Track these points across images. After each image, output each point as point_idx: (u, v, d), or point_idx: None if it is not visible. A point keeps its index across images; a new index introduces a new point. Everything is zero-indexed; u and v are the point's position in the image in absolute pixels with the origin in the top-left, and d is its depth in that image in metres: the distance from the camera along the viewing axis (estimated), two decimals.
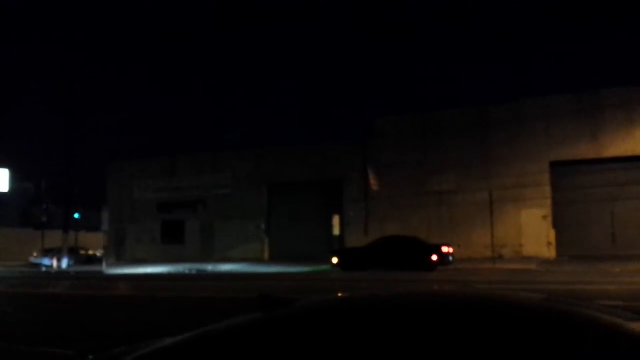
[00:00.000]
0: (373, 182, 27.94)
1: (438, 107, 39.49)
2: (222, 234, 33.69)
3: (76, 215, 36.32)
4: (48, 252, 34.32)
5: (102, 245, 43.46)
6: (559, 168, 26.34)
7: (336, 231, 26.10)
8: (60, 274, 27.58)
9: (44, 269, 31.16)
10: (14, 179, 45.60)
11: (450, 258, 21.80)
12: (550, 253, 25.96)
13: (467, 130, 27.94)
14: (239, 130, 52.23)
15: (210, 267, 27.44)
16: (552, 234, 26.28)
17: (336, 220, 26.14)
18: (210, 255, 33.24)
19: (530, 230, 26.43)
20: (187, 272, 26.19)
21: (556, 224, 26.26)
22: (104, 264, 28.93)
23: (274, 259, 31.87)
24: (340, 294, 11.33)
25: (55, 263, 30.92)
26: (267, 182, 32.97)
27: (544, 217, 26.39)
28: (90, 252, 38.13)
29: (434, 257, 21.36)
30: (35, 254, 35.62)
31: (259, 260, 31.24)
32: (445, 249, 21.78)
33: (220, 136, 36.15)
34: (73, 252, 33.15)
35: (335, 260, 23.05)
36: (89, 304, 13.95)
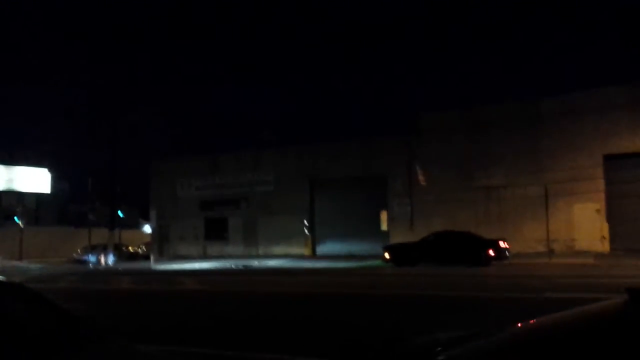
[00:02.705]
0: (421, 178, 27.71)
1: (484, 101, 39.00)
2: (265, 231, 33.79)
3: (119, 213, 36.68)
4: (92, 249, 34.78)
5: (141, 242, 44.01)
6: (612, 161, 25.80)
7: (384, 227, 25.95)
8: (110, 270, 27.89)
9: (90, 266, 31.53)
10: (52, 179, 46.46)
11: (507, 253, 21.49)
12: (604, 247, 25.46)
13: (516, 124, 27.54)
14: (273, 128, 52.26)
15: (256, 263, 27.49)
16: (606, 228, 25.77)
17: (384, 216, 25.98)
18: (253, 252, 33.39)
19: (583, 224, 25.95)
20: (233, 267, 26.26)
21: (609, 218, 25.74)
22: (151, 260, 29.20)
23: (316, 255, 31.88)
24: None
25: (102, 259, 31.30)
26: (309, 179, 32.95)
27: (598, 211, 25.89)
28: (131, 249, 38.49)
29: (491, 252, 21.09)
30: (78, 251, 36.07)
31: (302, 256, 31.27)
32: (502, 244, 21.48)
33: (256, 135, 35.93)
34: (117, 249, 33.49)
35: (387, 255, 22.90)
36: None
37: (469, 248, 21.50)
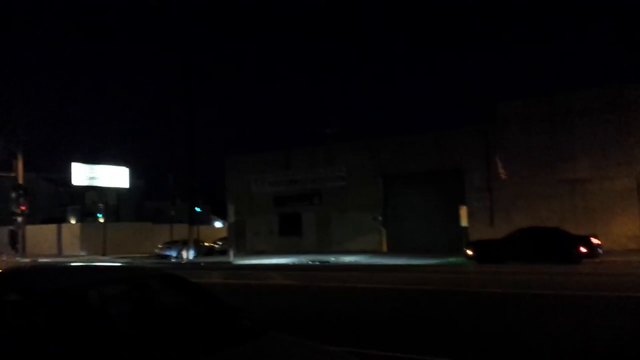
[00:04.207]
0: (501, 171, 26.90)
1: (566, 89, 37.26)
2: (338, 226, 33.87)
3: (197, 209, 37.80)
4: (172, 244, 36.01)
5: (215, 237, 45.23)
6: None
7: (464, 222, 25.34)
8: (193, 264, 28.79)
9: (172, 260, 32.67)
10: (129, 176, 48.49)
11: (600, 250, 20.52)
12: None
13: (602, 112, 26.14)
14: (338, 123, 52.21)
15: (332, 259, 27.61)
16: None
17: (463, 211, 25.36)
18: (327, 247, 33.55)
19: None
20: (310, 263, 26.48)
21: None
22: (230, 254, 29.93)
23: (391, 251, 31.64)
24: None
25: (184, 254, 32.36)
26: (383, 174, 32.69)
27: None
28: (207, 244, 39.59)
29: (582, 249, 20.20)
30: (160, 246, 37.45)
31: (376, 252, 31.13)
32: (593, 240, 20.54)
33: (321, 130, 35.98)
34: (195, 244, 34.52)
35: (469, 252, 22.40)
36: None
37: (558, 245, 20.70)
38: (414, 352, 6.71)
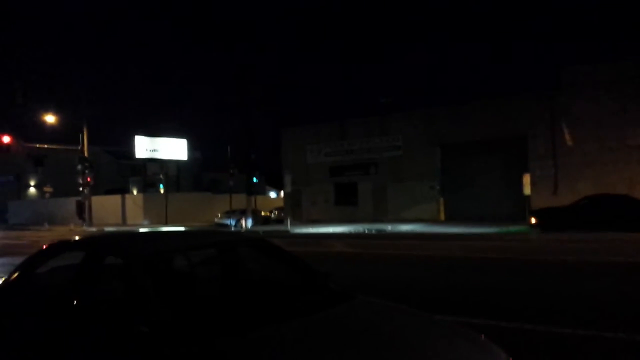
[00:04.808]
0: (567, 137, 25.95)
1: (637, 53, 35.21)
2: (394, 195, 33.73)
3: (254, 179, 38.47)
4: (231, 213, 36.89)
5: (270, 207, 46.00)
6: None
7: (527, 190, 24.65)
8: (253, 233, 29.47)
9: (232, 229, 33.50)
10: (188, 148, 49.75)
11: None
12: None
13: None
14: (392, 94, 51.67)
15: (389, 227, 27.56)
16: None
17: (527, 179, 24.64)
18: (383, 216, 33.53)
19: None
20: (366, 232, 26.53)
21: None
22: (288, 223, 30.38)
23: (448, 220, 31.29)
24: None
25: (243, 223, 33.12)
26: (440, 142, 32.15)
27: None
28: (264, 213, 40.31)
29: None
30: (219, 215, 38.45)
31: (433, 221, 30.86)
32: None
33: (377, 100, 35.48)
34: (253, 213, 35.22)
35: (533, 220, 21.88)
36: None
37: (627, 212, 19.95)
38: (503, 319, 6.64)
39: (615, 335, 5.66)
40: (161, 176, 46.24)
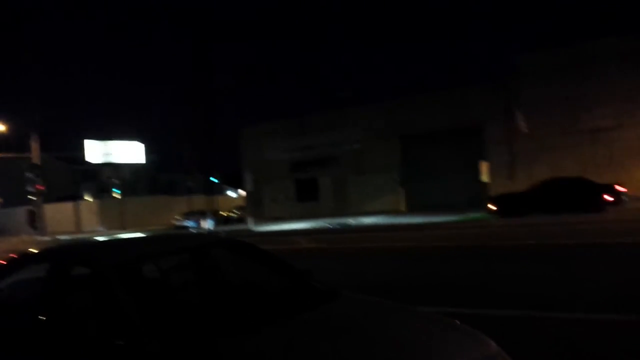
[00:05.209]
0: (522, 124, 26.47)
1: (584, 38, 36.28)
2: (356, 188, 33.79)
3: (215, 180, 37.86)
4: (190, 215, 36.16)
5: (229, 206, 45.39)
6: None
7: (485, 178, 25.07)
8: (217, 233, 28.93)
9: (192, 231, 32.82)
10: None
11: (624, 197, 20.27)
12: None
13: (625, 59, 25.47)
14: (349, 87, 51.80)
15: (352, 221, 27.56)
16: None
17: (484, 167, 25.06)
18: (345, 210, 33.53)
19: None
20: (330, 226, 26.46)
21: None
22: (249, 222, 29.98)
23: (410, 210, 31.56)
24: None
25: (203, 224, 32.48)
26: (399, 134, 32.36)
27: None
28: (224, 213, 39.71)
29: (607, 197, 19.98)
30: (177, 217, 37.63)
31: (395, 212, 31.06)
32: (618, 188, 20.28)
33: (335, 94, 35.51)
34: (213, 214, 34.61)
35: (492, 206, 22.23)
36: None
37: (582, 194, 20.49)
38: (472, 306, 6.58)
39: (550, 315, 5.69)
40: (116, 181, 44.94)
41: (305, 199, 35.49)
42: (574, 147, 26.60)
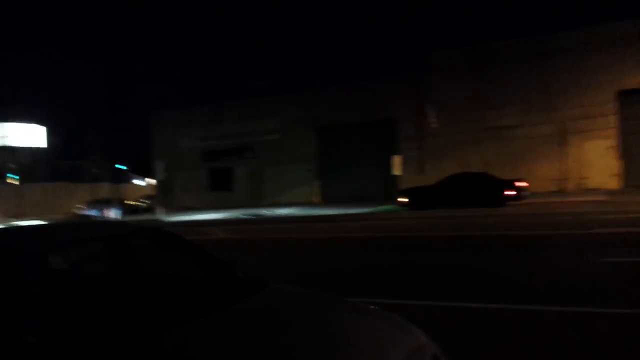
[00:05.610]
0: (431, 120, 27.24)
1: (496, 38, 37.90)
2: (271, 179, 33.43)
3: (122, 167, 35.99)
4: (94, 204, 34.22)
5: (137, 195, 43.48)
6: (626, 96, 25.44)
7: (396, 171, 25.60)
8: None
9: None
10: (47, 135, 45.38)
11: (525, 193, 21.38)
12: (615, 184, 25.49)
13: (528, 61, 26.92)
14: (266, 77, 51.20)
15: (265, 212, 27.24)
16: (618, 165, 25.72)
17: (396, 160, 25.58)
18: (259, 201, 33.11)
19: (595, 161, 25.89)
20: (244, 217, 26.01)
21: (624, 154, 25.63)
22: (158, 212, 28.81)
23: (325, 202, 31.68)
24: None
25: (107, 214, 30.84)
26: (316, 126, 32.33)
27: (609, 148, 25.77)
28: (131, 203, 37.95)
29: (508, 192, 20.97)
30: (79, 206, 35.48)
31: (310, 204, 31.07)
32: (519, 184, 21.34)
33: (250, 84, 34.92)
34: (119, 203, 32.98)
35: (402, 199, 22.73)
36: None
37: (485, 189, 21.38)
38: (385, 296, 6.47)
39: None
40: (12, 165, 41.68)
41: (219, 189, 34.67)
42: (480, 144, 27.76)
